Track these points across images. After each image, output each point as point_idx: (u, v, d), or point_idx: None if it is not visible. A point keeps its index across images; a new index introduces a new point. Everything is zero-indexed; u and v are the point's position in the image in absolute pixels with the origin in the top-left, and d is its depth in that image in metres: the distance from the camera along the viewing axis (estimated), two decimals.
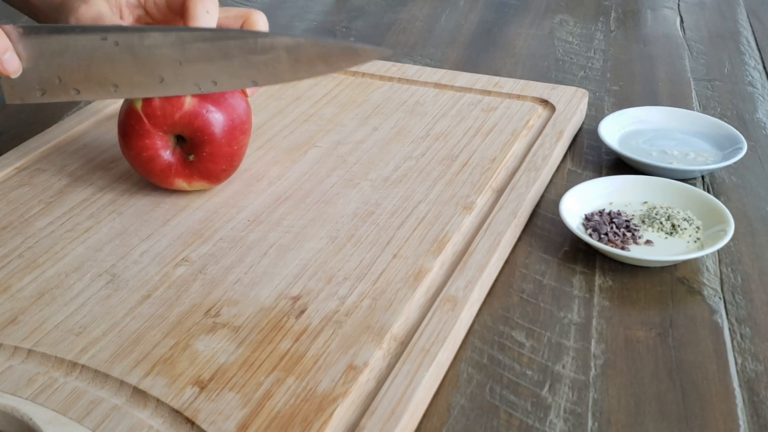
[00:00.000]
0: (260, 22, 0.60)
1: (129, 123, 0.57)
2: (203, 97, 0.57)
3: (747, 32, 1.03)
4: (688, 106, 0.82)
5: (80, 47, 0.55)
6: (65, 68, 0.56)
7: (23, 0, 0.68)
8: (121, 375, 0.44)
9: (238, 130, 0.58)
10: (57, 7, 0.61)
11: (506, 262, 0.57)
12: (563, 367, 0.48)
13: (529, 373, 0.48)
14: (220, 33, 0.56)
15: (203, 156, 0.58)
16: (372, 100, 0.76)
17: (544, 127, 0.71)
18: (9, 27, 0.54)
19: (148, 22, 0.61)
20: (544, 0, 1.13)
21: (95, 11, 0.57)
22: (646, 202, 0.62)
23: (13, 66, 0.55)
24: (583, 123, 0.77)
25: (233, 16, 0.60)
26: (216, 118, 0.57)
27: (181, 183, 0.59)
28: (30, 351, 0.46)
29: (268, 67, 0.56)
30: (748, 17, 1.08)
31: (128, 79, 0.56)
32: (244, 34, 0.56)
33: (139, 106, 0.56)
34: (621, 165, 0.70)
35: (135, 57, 0.55)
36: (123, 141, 0.58)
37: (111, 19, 0.58)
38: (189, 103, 0.56)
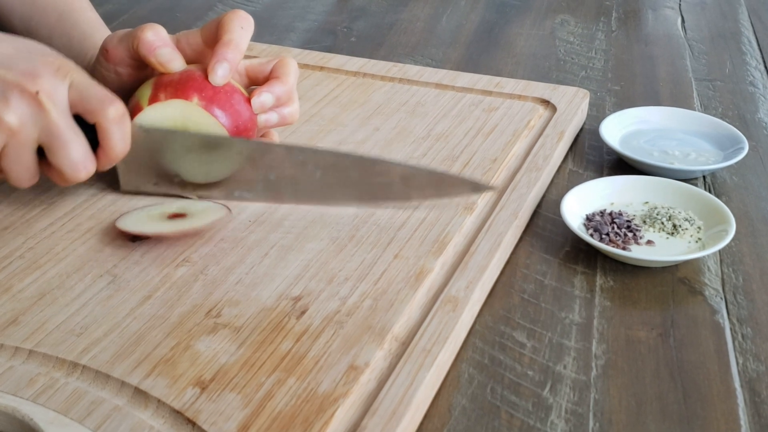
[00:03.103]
0: (290, 64, 0.61)
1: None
2: (209, 102, 0.57)
3: (748, 32, 1.03)
4: (689, 106, 0.82)
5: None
6: (184, 167, 0.58)
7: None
8: (122, 376, 0.44)
9: (243, 136, 0.58)
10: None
11: (507, 262, 0.57)
12: (564, 367, 0.48)
13: (530, 373, 0.48)
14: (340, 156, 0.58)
15: None
16: (373, 101, 0.76)
17: (545, 127, 0.71)
18: (135, 127, 0.55)
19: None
20: (545, 0, 1.13)
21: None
22: (647, 203, 0.62)
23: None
24: (584, 123, 0.77)
25: (266, 62, 0.62)
26: (221, 124, 0.57)
27: None
28: (31, 351, 0.46)
29: (382, 189, 0.58)
30: (749, 17, 1.08)
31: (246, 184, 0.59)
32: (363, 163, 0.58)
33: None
34: (622, 165, 0.70)
35: (255, 167, 0.58)
36: None
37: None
38: None
